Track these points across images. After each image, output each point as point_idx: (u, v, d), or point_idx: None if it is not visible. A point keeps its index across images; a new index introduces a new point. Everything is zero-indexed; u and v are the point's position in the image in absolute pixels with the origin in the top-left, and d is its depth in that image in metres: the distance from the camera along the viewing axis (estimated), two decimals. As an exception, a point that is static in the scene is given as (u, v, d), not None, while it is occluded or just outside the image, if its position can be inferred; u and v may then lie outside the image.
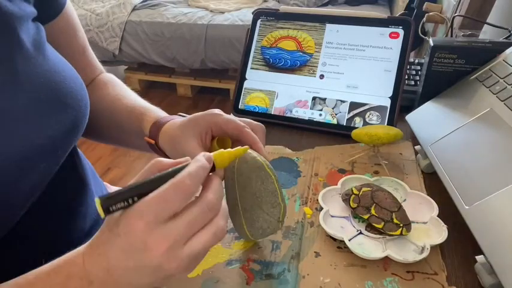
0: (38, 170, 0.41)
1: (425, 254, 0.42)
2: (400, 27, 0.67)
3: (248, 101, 0.73)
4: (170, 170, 0.32)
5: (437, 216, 0.47)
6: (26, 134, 0.40)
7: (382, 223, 0.44)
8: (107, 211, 0.30)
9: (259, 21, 0.75)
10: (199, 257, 0.32)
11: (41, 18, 0.47)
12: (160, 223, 0.30)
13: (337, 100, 0.68)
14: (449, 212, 0.47)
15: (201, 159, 0.33)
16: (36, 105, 0.41)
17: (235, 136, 0.45)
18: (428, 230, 0.46)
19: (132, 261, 0.30)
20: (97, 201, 0.30)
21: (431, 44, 0.63)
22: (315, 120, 0.69)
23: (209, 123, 0.46)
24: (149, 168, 0.34)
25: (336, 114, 0.68)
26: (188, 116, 0.48)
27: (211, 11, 2.55)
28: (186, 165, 0.32)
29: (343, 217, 0.49)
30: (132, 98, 0.57)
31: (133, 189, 0.31)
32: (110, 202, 0.30)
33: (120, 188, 0.32)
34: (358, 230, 0.47)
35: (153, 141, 0.50)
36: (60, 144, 0.44)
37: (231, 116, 0.47)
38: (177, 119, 0.49)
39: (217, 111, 0.47)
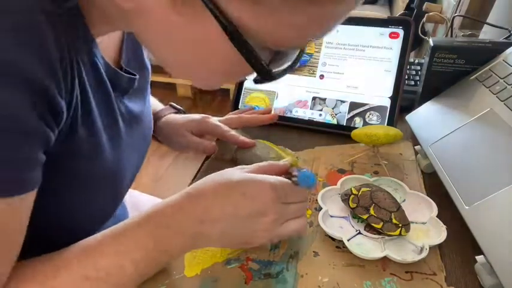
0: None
1: (424, 255, 0.42)
2: (400, 27, 0.67)
3: (248, 101, 0.73)
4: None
5: (437, 216, 0.47)
6: (135, 159, 0.49)
7: (381, 223, 0.44)
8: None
9: (259, 21, 0.75)
10: (280, 239, 0.43)
11: None
12: (283, 204, 0.39)
13: (337, 100, 0.68)
14: (449, 212, 0.47)
15: None
16: (143, 140, 0.52)
17: (221, 137, 0.62)
18: (427, 231, 0.46)
19: (240, 217, 0.38)
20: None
21: (431, 44, 0.63)
22: (314, 120, 0.69)
23: (198, 125, 0.63)
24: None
25: (335, 114, 0.68)
26: (183, 117, 0.64)
27: (211, 11, 2.54)
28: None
29: (342, 217, 0.49)
30: None
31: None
32: None
33: None
34: (357, 230, 0.47)
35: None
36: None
37: (216, 121, 0.63)
38: (170, 117, 0.64)
39: (205, 116, 0.64)
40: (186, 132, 0.62)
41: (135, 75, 0.45)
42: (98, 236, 0.37)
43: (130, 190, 0.79)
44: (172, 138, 0.64)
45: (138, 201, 0.76)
